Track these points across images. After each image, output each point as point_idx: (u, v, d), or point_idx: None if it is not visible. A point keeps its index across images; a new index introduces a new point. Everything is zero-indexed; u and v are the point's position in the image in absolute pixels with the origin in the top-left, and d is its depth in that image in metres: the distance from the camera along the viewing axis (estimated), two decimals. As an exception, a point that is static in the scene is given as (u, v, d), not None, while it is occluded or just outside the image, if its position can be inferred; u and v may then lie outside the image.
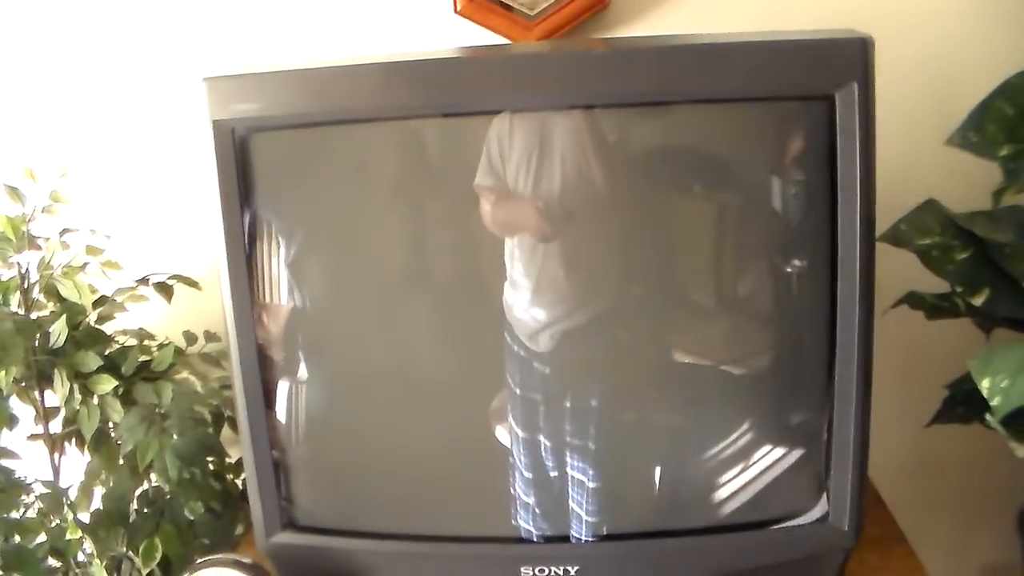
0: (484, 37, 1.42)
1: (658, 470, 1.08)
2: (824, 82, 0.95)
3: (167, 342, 1.41)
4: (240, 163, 1.01)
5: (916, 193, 1.26)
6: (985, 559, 1.61)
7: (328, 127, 1.02)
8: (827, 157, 0.97)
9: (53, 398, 1.36)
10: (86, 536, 1.29)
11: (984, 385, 0.99)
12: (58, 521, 1.30)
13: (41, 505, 1.32)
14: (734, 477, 1.06)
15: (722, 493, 1.06)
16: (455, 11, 1.41)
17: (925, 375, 1.38)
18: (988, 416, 1.02)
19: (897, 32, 1.27)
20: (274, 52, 1.48)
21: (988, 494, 1.56)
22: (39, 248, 1.37)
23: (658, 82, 0.98)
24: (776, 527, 1.06)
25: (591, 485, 1.06)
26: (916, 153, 1.35)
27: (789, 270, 1.03)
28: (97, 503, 1.36)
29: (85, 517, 1.33)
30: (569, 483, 1.07)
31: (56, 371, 1.32)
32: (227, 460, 1.44)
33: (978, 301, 1.18)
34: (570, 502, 1.07)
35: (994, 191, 1.27)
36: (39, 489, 1.34)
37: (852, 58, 0.95)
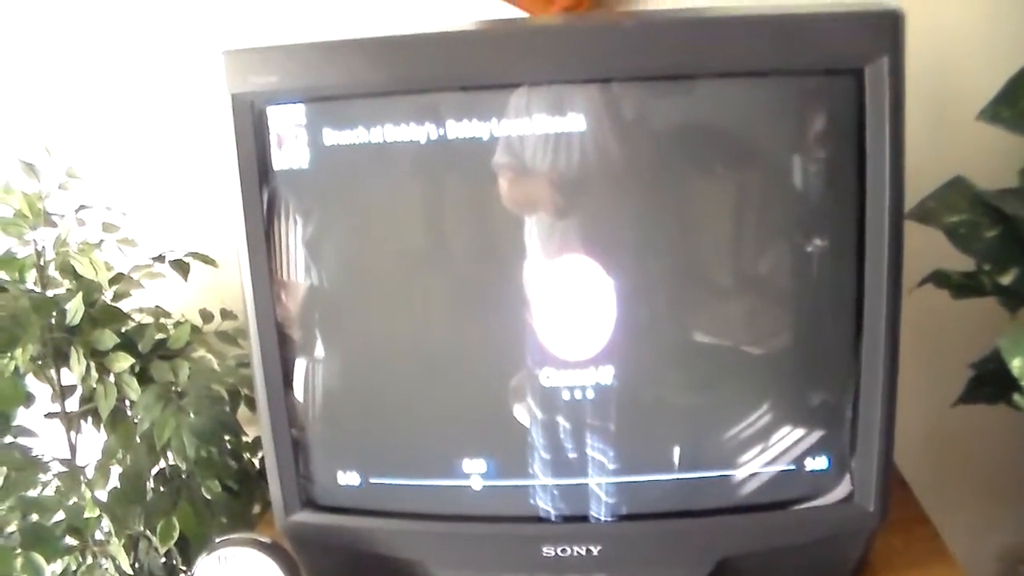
0: (504, 11, 1.41)
1: (679, 450, 1.06)
2: (854, 56, 0.94)
3: (183, 320, 1.41)
4: (259, 137, 1.00)
5: (941, 170, 1.25)
6: (1007, 540, 1.60)
7: (347, 100, 1.00)
8: (855, 133, 0.95)
9: (69, 376, 1.35)
10: (104, 514, 1.28)
11: (1015, 364, 0.98)
12: (76, 499, 1.30)
13: (58, 483, 1.31)
14: (757, 456, 1.05)
15: (745, 472, 1.05)
16: (474, -15, 1.40)
17: (948, 354, 1.37)
18: (1017, 396, 1.01)
19: (924, 4, 1.25)
20: (291, 25, 1.47)
21: (1011, 475, 1.55)
22: (54, 225, 1.36)
23: (682, 55, 0.96)
24: (800, 507, 1.05)
25: (611, 466, 1.05)
26: (942, 130, 1.33)
27: (814, 249, 1.02)
28: (114, 482, 1.36)
29: (102, 495, 1.33)
30: (589, 464, 1.06)
31: (72, 349, 1.31)
32: (244, 439, 1.44)
33: (1006, 279, 1.16)
34: (590, 482, 1.06)
35: (1022, 168, 1.25)
36: (56, 467, 1.33)
37: (883, 31, 0.93)
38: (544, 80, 0.97)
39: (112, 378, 1.33)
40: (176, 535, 1.30)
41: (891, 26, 0.93)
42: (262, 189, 1.02)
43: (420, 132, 0.98)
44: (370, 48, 1.00)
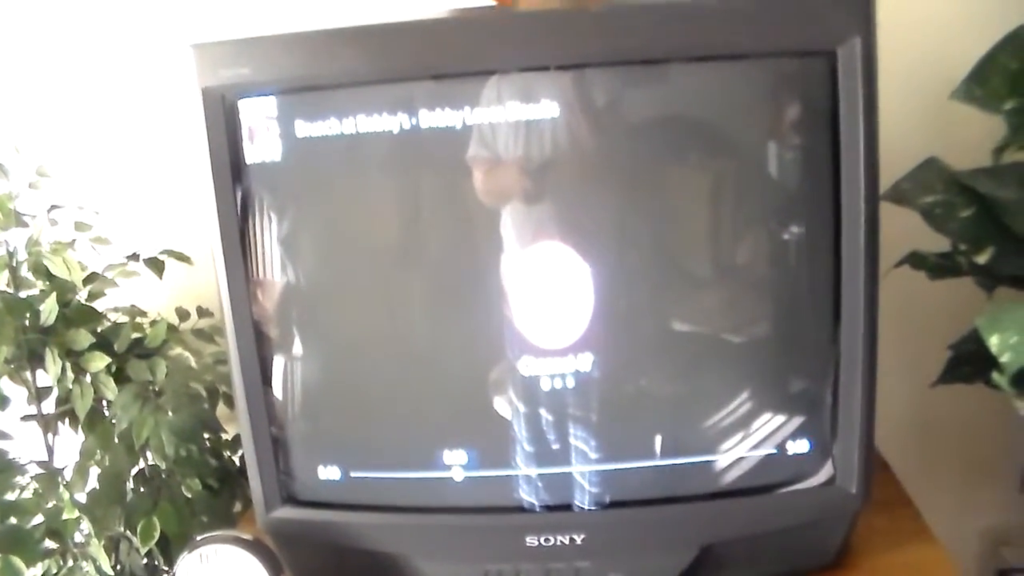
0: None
1: (661, 437, 1.06)
2: (826, 37, 0.94)
3: (159, 318, 1.39)
4: (230, 130, 0.99)
5: (914, 152, 1.25)
6: (988, 521, 1.61)
7: (319, 91, 1.00)
8: (829, 116, 0.95)
9: (45, 378, 1.34)
10: (83, 516, 1.27)
11: (993, 342, 0.99)
12: (54, 502, 1.29)
13: (36, 486, 1.30)
14: (738, 442, 1.05)
15: (727, 458, 1.05)
16: (444, -26, 1.38)
17: (926, 336, 1.37)
18: (995, 375, 1.02)
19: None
20: (260, 17, 1.46)
21: (991, 455, 1.55)
22: (26, 225, 1.35)
23: (654, 40, 0.96)
24: (783, 491, 1.05)
25: (593, 454, 1.05)
26: (914, 111, 1.33)
27: (790, 233, 1.01)
28: (93, 483, 1.35)
29: (81, 497, 1.32)
30: (571, 452, 1.06)
31: (48, 350, 1.30)
32: (223, 437, 1.43)
33: (982, 259, 1.17)
34: (573, 471, 1.06)
35: (995, 148, 1.25)
36: (34, 470, 1.32)
37: (855, 12, 0.93)
38: (516, 67, 0.97)
39: (88, 378, 1.32)
40: (157, 535, 1.29)
41: (863, 6, 0.93)
42: (235, 183, 1.01)
43: (393, 122, 0.98)
44: (341, 38, 0.99)
